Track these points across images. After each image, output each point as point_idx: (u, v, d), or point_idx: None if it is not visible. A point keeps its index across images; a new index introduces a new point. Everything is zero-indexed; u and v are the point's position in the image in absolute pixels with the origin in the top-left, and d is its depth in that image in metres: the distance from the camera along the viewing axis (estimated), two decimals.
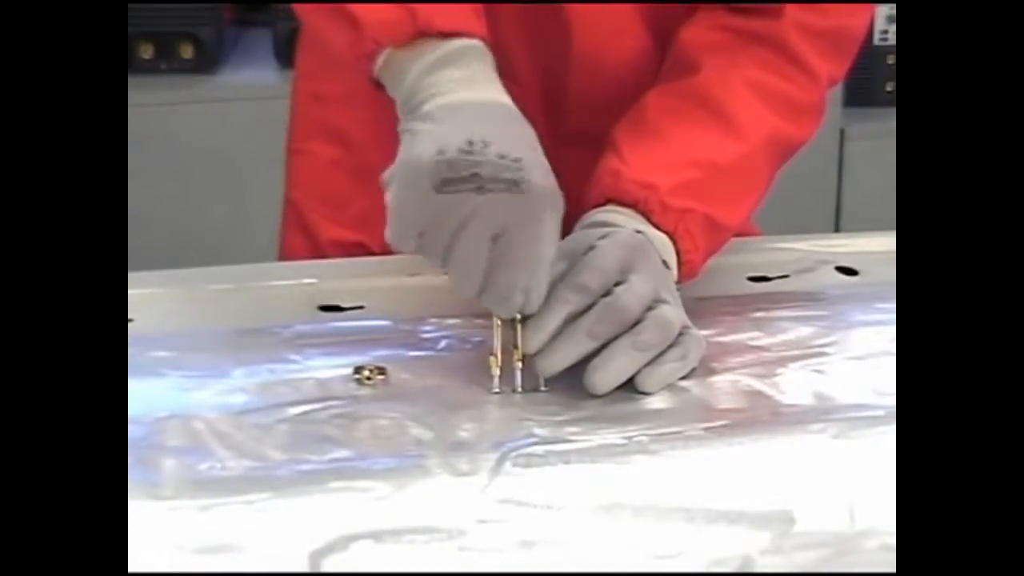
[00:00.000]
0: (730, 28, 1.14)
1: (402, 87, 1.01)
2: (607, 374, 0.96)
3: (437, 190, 0.94)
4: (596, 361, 0.96)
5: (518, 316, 0.97)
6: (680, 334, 0.98)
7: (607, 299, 0.96)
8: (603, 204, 1.07)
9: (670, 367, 0.97)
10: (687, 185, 1.07)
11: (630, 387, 0.97)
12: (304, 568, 0.79)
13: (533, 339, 0.96)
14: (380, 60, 1.02)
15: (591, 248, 0.99)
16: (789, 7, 1.13)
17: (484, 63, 1.02)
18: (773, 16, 1.13)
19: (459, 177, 0.94)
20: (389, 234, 0.97)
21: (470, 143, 0.95)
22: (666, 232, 1.05)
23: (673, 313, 0.98)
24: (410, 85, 1.01)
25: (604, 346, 0.96)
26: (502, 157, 0.95)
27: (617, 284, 0.97)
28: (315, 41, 1.28)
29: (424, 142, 0.96)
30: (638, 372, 0.96)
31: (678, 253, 1.06)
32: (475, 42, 1.01)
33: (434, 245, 0.95)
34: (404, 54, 1.01)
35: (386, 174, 0.97)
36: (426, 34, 1.00)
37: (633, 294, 0.97)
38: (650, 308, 0.97)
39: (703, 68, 1.12)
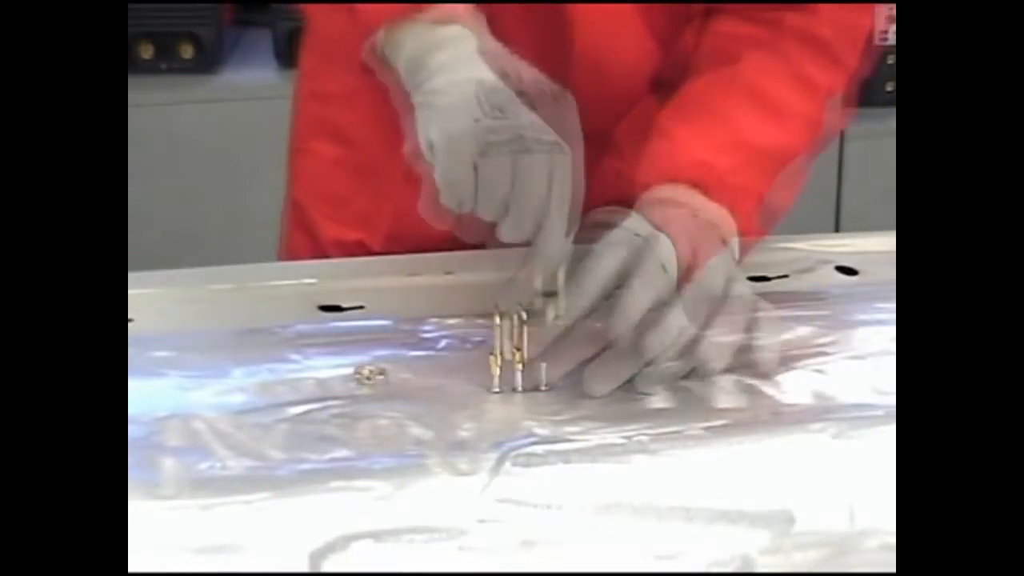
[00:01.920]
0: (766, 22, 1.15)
1: (402, 54, 1.03)
2: (606, 380, 0.96)
3: (483, 154, 0.95)
4: (593, 366, 0.96)
5: (522, 316, 0.97)
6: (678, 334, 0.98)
7: (608, 303, 0.97)
8: (658, 185, 1.07)
9: (669, 367, 0.97)
10: (743, 163, 1.09)
11: (630, 387, 0.97)
12: (304, 568, 0.79)
13: (533, 346, 0.96)
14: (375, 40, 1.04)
15: (593, 254, 0.99)
16: (789, 19, 1.14)
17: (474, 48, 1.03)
18: (773, 25, 1.14)
19: (502, 140, 0.96)
20: (444, 198, 0.97)
21: (501, 111, 0.97)
22: (725, 208, 1.06)
23: (672, 317, 0.98)
24: (411, 53, 1.02)
25: (603, 349, 0.96)
26: (533, 122, 0.97)
27: (618, 287, 0.97)
28: (317, 39, 1.28)
29: (455, 110, 0.97)
30: (637, 372, 0.96)
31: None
32: (465, 30, 1.03)
33: (493, 194, 0.96)
34: (400, 29, 1.03)
35: (422, 143, 0.99)
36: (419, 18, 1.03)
37: (633, 299, 0.97)
38: (650, 311, 0.97)
39: (702, 74, 1.13)
